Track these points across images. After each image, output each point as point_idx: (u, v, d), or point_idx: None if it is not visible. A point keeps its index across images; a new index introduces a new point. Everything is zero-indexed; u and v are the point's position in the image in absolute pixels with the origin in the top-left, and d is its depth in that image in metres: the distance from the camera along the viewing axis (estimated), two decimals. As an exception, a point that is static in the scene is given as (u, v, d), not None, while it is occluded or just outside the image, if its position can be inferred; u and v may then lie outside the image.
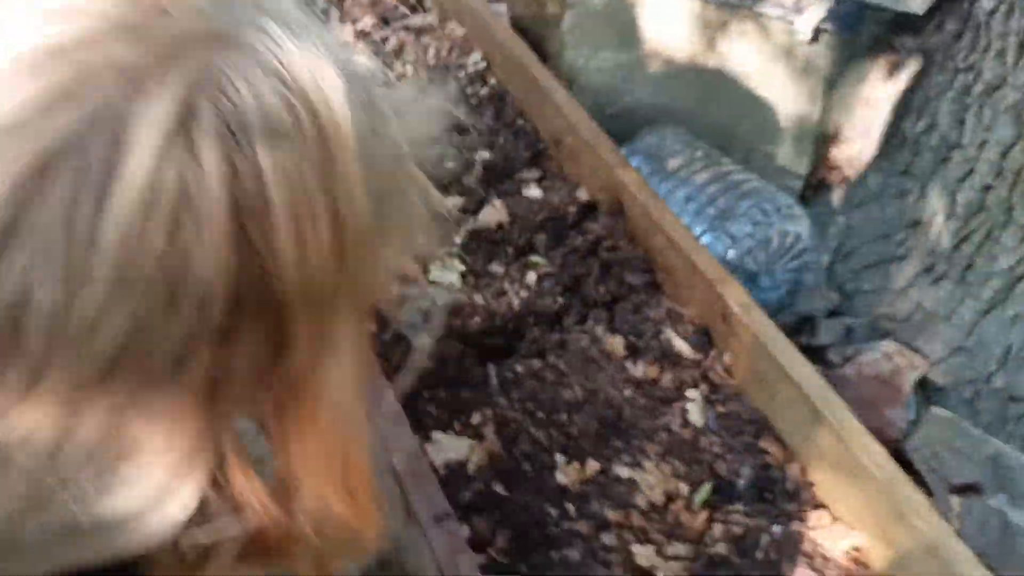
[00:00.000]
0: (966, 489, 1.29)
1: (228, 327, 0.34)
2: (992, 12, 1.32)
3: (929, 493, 1.32)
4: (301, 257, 0.35)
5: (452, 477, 1.12)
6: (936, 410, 1.36)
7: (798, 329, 1.52)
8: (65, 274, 0.30)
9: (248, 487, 0.41)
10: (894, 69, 1.73)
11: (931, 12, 1.55)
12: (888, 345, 1.43)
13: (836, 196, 1.66)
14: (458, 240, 1.44)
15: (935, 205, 1.41)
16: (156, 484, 0.36)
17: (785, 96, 1.57)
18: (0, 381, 0.31)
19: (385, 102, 0.42)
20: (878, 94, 1.75)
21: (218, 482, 0.41)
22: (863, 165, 1.68)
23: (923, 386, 1.48)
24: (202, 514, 0.40)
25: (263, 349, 0.36)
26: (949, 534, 0.99)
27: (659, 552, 1.08)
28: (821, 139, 1.70)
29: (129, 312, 0.31)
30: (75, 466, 0.34)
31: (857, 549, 1.09)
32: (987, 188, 1.30)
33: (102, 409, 0.33)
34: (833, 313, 1.53)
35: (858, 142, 1.74)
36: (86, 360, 0.32)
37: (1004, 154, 1.25)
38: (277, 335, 0.36)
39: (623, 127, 1.79)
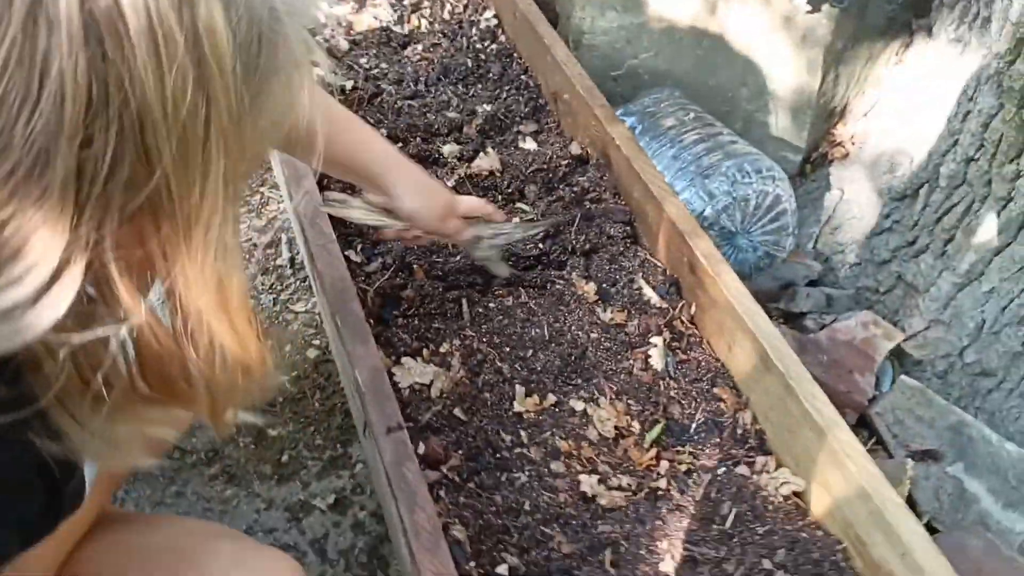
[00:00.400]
0: (925, 455, 1.30)
1: (89, 131, 0.39)
2: (982, -19, 1.33)
3: (889, 456, 1.34)
4: (157, 72, 0.40)
5: (414, 399, 1.18)
6: (905, 378, 1.37)
7: (780, 295, 1.55)
8: None
9: (135, 304, 0.47)
10: (903, 49, 1.72)
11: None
12: (865, 315, 1.44)
13: (834, 171, 1.67)
14: (450, 184, 1.49)
15: (921, 178, 1.42)
16: (36, 285, 0.42)
17: (785, 65, 1.58)
18: None
19: None
20: (886, 73, 1.75)
21: (104, 295, 0.46)
22: (864, 142, 1.68)
23: (900, 358, 1.49)
24: (85, 322, 0.46)
25: (126, 161, 0.41)
26: (881, 480, 1.01)
27: (603, 482, 1.13)
28: (824, 113, 1.70)
29: None
30: None
31: (797, 494, 1.13)
32: (969, 160, 1.31)
33: None
34: (815, 282, 1.55)
35: (862, 120, 1.74)
36: None
37: (986, 124, 1.25)
38: (141, 150, 0.41)
39: (626, 88, 1.83)
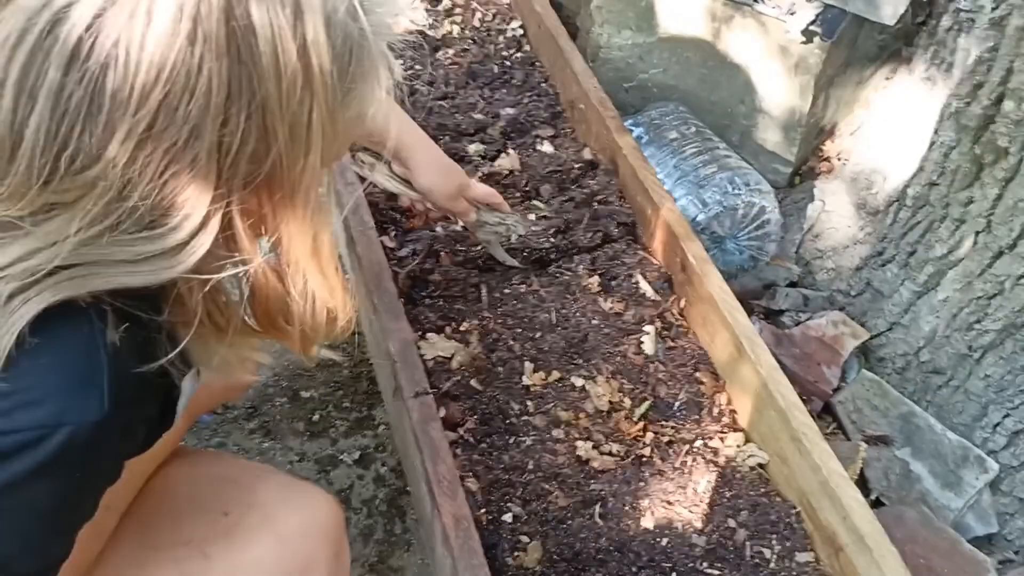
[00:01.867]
0: (878, 440, 1.49)
1: (227, 114, 0.56)
2: (948, 30, 1.49)
3: (847, 439, 1.53)
4: (276, 73, 0.56)
5: (437, 369, 1.36)
6: (865, 372, 1.56)
7: (762, 294, 1.73)
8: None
9: (253, 251, 0.63)
10: (891, 75, 1.89)
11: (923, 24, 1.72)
12: (835, 315, 1.62)
13: (819, 184, 1.85)
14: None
15: (891, 197, 1.60)
16: (189, 230, 0.58)
17: (779, 89, 1.75)
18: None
19: None
20: (874, 97, 1.92)
21: (230, 244, 0.62)
22: (848, 159, 1.86)
23: (866, 355, 1.67)
24: (217, 264, 0.62)
25: (252, 137, 0.57)
26: (830, 456, 1.19)
27: (596, 447, 1.31)
28: (813, 131, 1.87)
29: (164, 91, 0.53)
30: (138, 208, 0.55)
31: (762, 466, 1.31)
32: (931, 185, 1.48)
33: (150, 170, 0.55)
34: (795, 284, 1.73)
35: (848, 138, 1.91)
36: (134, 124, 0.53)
37: (946, 155, 1.43)
38: (263, 130, 0.57)
39: (637, 99, 2.00)
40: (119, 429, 0.61)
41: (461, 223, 1.52)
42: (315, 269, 0.67)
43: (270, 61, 0.56)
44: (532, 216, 1.61)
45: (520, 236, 1.47)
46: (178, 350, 0.64)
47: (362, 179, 1.47)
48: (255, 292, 0.67)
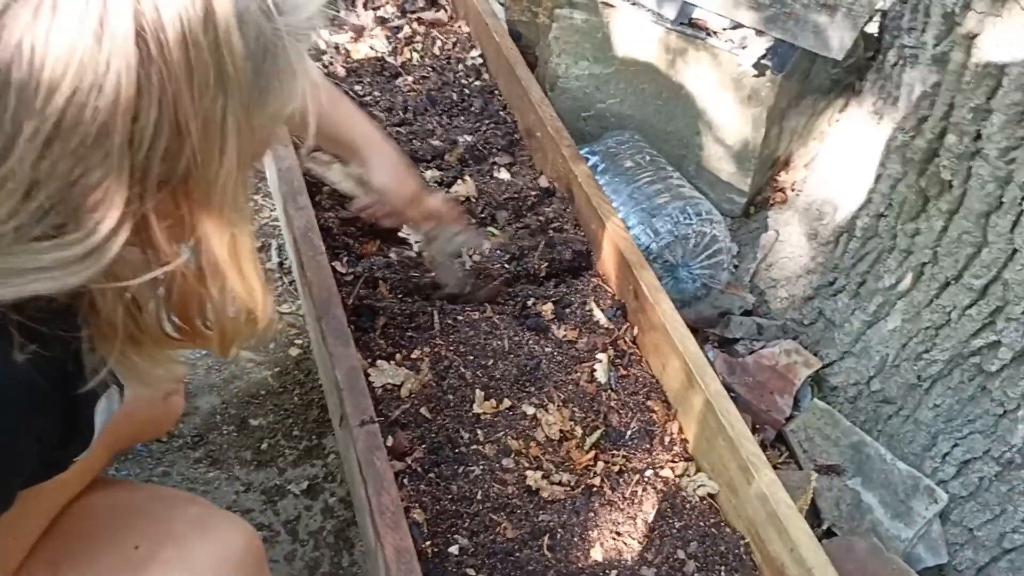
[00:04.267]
0: (829, 469, 1.49)
1: (137, 109, 0.54)
2: (894, 65, 1.53)
3: (799, 468, 1.53)
4: (187, 70, 0.55)
5: (386, 397, 1.34)
6: (816, 401, 1.56)
7: (717, 322, 1.73)
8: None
9: (171, 253, 0.62)
10: (844, 107, 1.93)
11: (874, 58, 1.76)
12: (788, 344, 1.63)
13: (772, 214, 1.87)
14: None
15: (841, 228, 1.62)
16: (104, 232, 0.56)
17: (732, 120, 1.78)
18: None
19: None
20: (828, 128, 1.96)
21: (144, 244, 0.61)
22: (801, 190, 1.88)
23: (819, 384, 1.68)
24: (133, 268, 0.60)
25: (164, 134, 0.56)
26: (778, 487, 1.19)
27: (546, 477, 1.30)
28: (767, 162, 1.90)
29: (71, 88, 0.52)
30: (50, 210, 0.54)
31: (712, 496, 1.30)
32: (879, 216, 1.50)
33: (60, 168, 0.53)
34: (749, 312, 1.74)
35: (802, 169, 1.94)
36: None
37: (893, 187, 1.45)
38: (175, 126, 0.56)
39: (594, 128, 2.01)
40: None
41: (413, 239, 1.51)
42: (234, 270, 0.65)
43: (180, 57, 0.55)
44: (487, 244, 1.61)
45: (476, 254, 1.45)
46: (89, 365, 0.61)
47: (315, 187, 1.44)
48: (173, 295, 0.65)
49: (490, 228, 1.66)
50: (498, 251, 1.59)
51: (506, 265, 1.57)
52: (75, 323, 0.61)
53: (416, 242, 1.54)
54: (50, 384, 0.61)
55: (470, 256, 1.48)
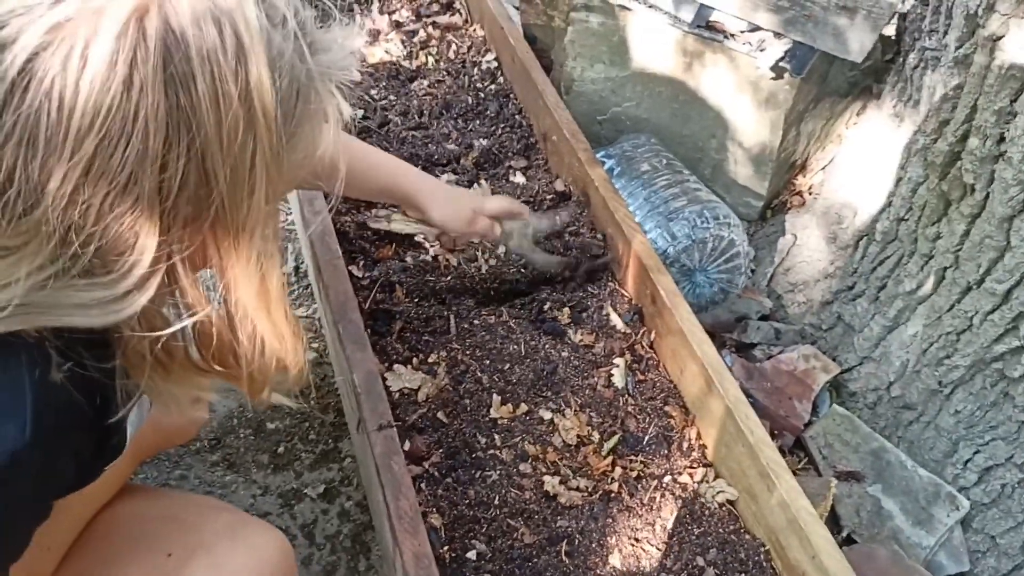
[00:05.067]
0: (849, 475, 1.48)
1: (166, 159, 0.55)
2: (915, 67, 1.51)
3: (819, 474, 1.52)
4: (216, 118, 0.55)
5: (403, 402, 1.34)
6: (836, 407, 1.55)
7: (734, 327, 1.72)
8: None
9: (199, 298, 0.62)
10: (862, 110, 1.91)
11: (892, 60, 1.75)
12: (807, 349, 1.62)
13: (790, 217, 1.86)
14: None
15: (861, 232, 1.60)
16: (136, 275, 0.57)
17: (749, 123, 1.77)
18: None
19: (305, 30, 0.61)
20: (846, 132, 1.94)
21: (175, 289, 0.61)
22: (819, 193, 1.87)
23: (837, 389, 1.67)
24: (162, 314, 0.62)
25: (192, 180, 0.56)
26: (799, 493, 1.17)
27: (564, 483, 1.29)
28: (785, 165, 1.89)
29: (99, 136, 0.52)
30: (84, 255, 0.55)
31: (731, 503, 1.29)
32: (900, 220, 1.49)
33: (91, 213, 0.54)
34: (766, 317, 1.72)
35: (820, 173, 1.93)
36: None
37: (914, 191, 1.44)
38: (203, 174, 0.56)
39: (610, 131, 2.01)
40: (40, 462, 0.58)
41: (429, 243, 1.53)
42: (263, 314, 0.65)
43: (210, 106, 0.55)
44: (502, 248, 1.60)
45: (543, 230, 1.47)
46: (121, 386, 0.62)
47: (343, 239, 1.48)
48: (202, 336, 0.65)
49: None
50: (513, 255, 1.59)
51: (522, 270, 1.57)
52: (109, 353, 0.62)
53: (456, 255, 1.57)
54: (87, 400, 0.62)
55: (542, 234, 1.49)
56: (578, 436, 1.34)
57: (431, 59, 2.05)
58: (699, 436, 1.36)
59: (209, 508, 0.96)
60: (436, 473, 1.27)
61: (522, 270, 1.57)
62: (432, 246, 1.59)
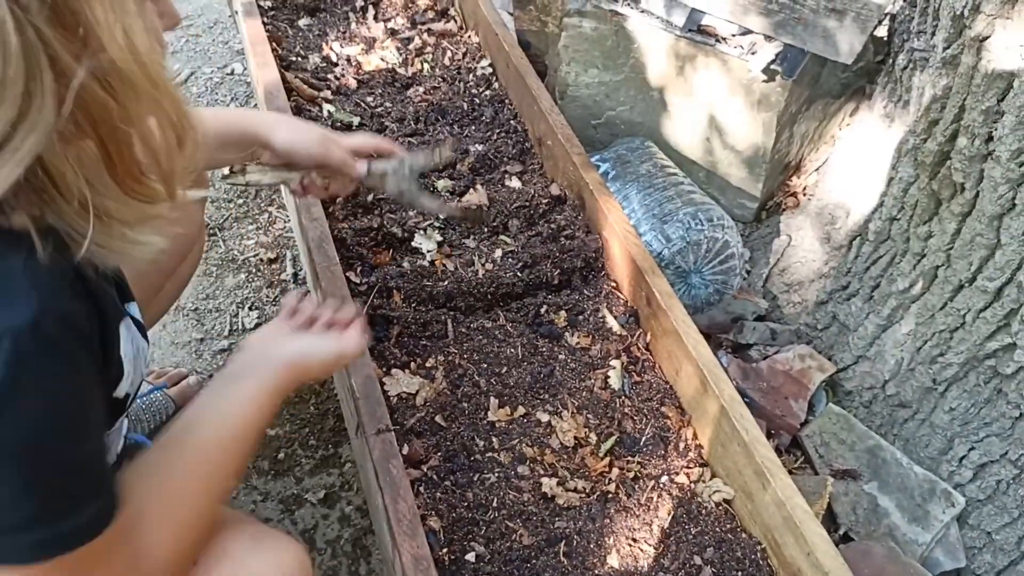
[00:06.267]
0: (845, 473, 1.49)
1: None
2: (904, 68, 1.53)
3: (815, 473, 1.53)
4: None
5: (401, 406, 1.35)
6: (832, 406, 1.56)
7: (730, 327, 1.73)
8: None
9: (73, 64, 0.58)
10: (855, 111, 1.93)
11: (883, 62, 1.76)
12: (802, 349, 1.63)
13: (785, 218, 1.87)
14: (442, 216, 1.67)
15: (854, 232, 1.61)
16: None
17: (742, 125, 1.78)
18: None
19: None
20: (839, 133, 1.95)
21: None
22: (812, 194, 1.88)
23: (833, 388, 1.68)
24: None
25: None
26: (794, 491, 1.19)
27: (561, 484, 1.30)
28: (778, 166, 1.90)
29: None
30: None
31: (727, 502, 1.30)
32: (892, 220, 1.50)
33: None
34: (762, 318, 1.74)
35: (814, 174, 1.94)
36: None
37: (905, 190, 1.45)
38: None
39: (605, 135, 2.02)
40: (59, 320, 0.62)
41: (425, 247, 1.50)
42: (139, 74, 0.62)
43: None
44: (499, 251, 1.62)
45: (419, 167, 1.30)
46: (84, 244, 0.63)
47: (341, 246, 1.44)
48: (89, 109, 0.61)
49: (502, 236, 1.67)
50: (510, 259, 1.60)
51: (518, 273, 1.58)
52: (41, 200, 0.61)
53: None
54: (79, 300, 0.65)
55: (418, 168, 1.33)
56: (575, 438, 1.35)
57: (426, 66, 2.07)
58: (695, 436, 1.37)
59: (232, 518, 0.98)
60: (435, 476, 1.29)
61: (518, 274, 1.58)
62: (423, 246, 1.58)
